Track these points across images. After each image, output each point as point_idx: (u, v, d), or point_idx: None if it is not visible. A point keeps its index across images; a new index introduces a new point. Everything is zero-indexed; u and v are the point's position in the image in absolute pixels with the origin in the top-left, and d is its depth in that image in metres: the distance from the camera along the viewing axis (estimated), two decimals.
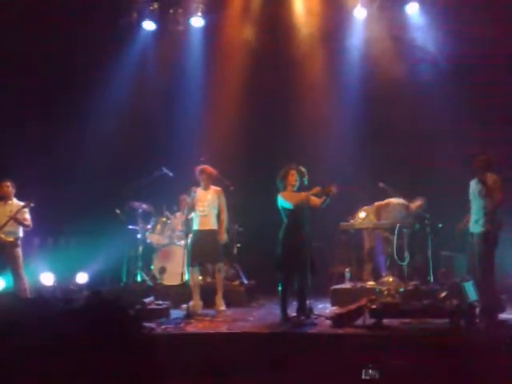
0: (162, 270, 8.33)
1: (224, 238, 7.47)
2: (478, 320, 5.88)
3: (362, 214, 8.16)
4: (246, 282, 8.39)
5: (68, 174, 9.38)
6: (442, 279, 7.59)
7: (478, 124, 8.46)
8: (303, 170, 6.68)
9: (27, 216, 7.73)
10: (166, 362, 4.97)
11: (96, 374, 4.69)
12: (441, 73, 9.00)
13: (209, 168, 7.47)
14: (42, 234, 9.03)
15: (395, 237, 7.56)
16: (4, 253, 7.62)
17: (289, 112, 9.59)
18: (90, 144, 9.39)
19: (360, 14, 9.33)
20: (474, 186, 6.55)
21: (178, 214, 8.87)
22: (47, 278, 8.54)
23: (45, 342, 4.84)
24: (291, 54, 9.67)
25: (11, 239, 7.63)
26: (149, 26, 9.91)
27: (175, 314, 6.94)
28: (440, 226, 7.70)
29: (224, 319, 6.70)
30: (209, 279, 8.12)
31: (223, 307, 7.34)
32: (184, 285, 7.35)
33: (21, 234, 7.76)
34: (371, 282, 7.87)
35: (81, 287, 8.46)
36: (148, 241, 8.80)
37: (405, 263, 7.53)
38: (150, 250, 8.72)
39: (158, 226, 8.80)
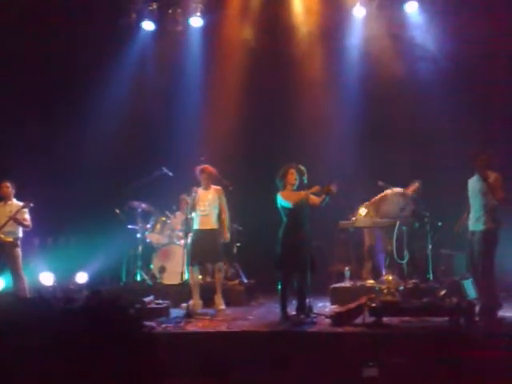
0: (162, 270, 8.34)
1: (228, 236, 7.49)
2: (477, 318, 5.89)
3: (362, 211, 8.17)
4: (245, 281, 8.39)
5: (68, 173, 9.38)
6: (441, 277, 7.57)
7: (477, 122, 8.47)
8: (303, 168, 6.68)
9: (27, 216, 7.74)
10: (166, 361, 4.97)
11: (96, 373, 4.69)
12: (440, 71, 9.00)
13: (209, 167, 7.47)
14: (41, 233, 9.03)
15: (395, 235, 7.55)
16: (3, 253, 7.64)
17: (288, 111, 9.59)
18: (89, 144, 9.39)
19: (359, 12, 9.32)
20: (473, 184, 6.55)
21: (177, 213, 8.87)
22: (47, 278, 8.55)
23: (44, 341, 4.84)
24: (290, 53, 9.67)
25: (11, 239, 7.64)
26: (148, 26, 9.91)
27: (175, 313, 6.94)
28: (439, 224, 7.69)
29: (224, 318, 6.71)
30: (208, 278, 8.12)
31: (223, 306, 7.34)
32: (184, 284, 7.35)
33: (20, 234, 7.77)
34: (371, 281, 7.87)
35: (80, 287, 8.46)
36: (148, 240, 8.80)
37: (404, 261, 7.52)
38: (149, 250, 8.72)
39: (158, 226, 8.81)
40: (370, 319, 5.90)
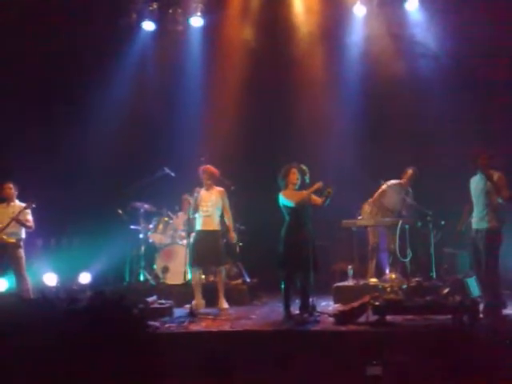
0: (165, 270, 8.35)
1: (233, 236, 7.49)
2: (481, 316, 5.88)
3: (367, 208, 8.17)
4: (248, 280, 8.39)
5: (70, 174, 9.38)
6: (444, 275, 7.57)
7: (478, 121, 8.46)
8: (304, 168, 6.66)
9: (29, 217, 7.75)
10: (169, 361, 4.98)
11: (101, 373, 4.70)
12: (441, 69, 9.00)
13: (210, 168, 7.46)
14: (44, 234, 9.06)
15: (397, 233, 7.54)
16: (6, 254, 7.65)
17: (288, 111, 9.59)
18: (91, 144, 9.40)
19: (359, 11, 9.32)
20: (476, 183, 6.54)
21: (179, 213, 8.88)
22: (50, 279, 8.56)
23: (48, 342, 4.85)
24: (291, 52, 9.67)
25: (13, 240, 7.65)
26: (148, 26, 9.92)
27: (178, 312, 6.95)
28: (442, 223, 7.69)
29: (227, 318, 6.71)
30: (211, 278, 8.12)
31: (226, 305, 7.35)
32: (187, 284, 7.37)
33: (23, 235, 7.79)
34: (374, 279, 7.87)
35: (84, 287, 8.45)
36: (150, 240, 8.81)
37: (407, 260, 7.52)
38: (152, 250, 8.73)
39: (160, 226, 8.81)
40: (373, 318, 5.90)
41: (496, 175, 6.29)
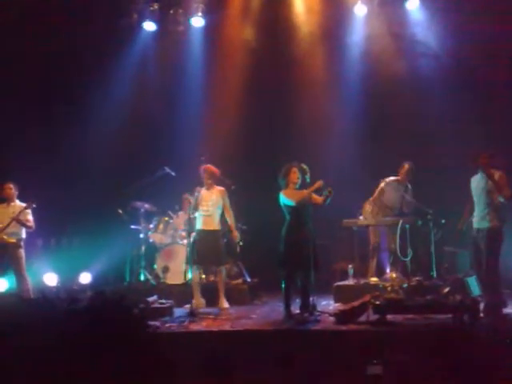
0: (165, 269, 8.35)
1: (236, 235, 7.47)
2: (482, 315, 5.88)
3: (367, 208, 8.17)
4: (249, 279, 8.39)
5: (70, 174, 9.38)
6: (445, 275, 7.57)
7: (478, 121, 8.45)
8: (305, 167, 6.66)
9: (29, 217, 7.76)
10: (170, 361, 4.98)
11: (101, 373, 4.70)
12: (442, 69, 9.00)
13: (211, 167, 7.45)
14: (44, 234, 9.06)
15: (398, 233, 7.54)
16: (7, 254, 7.66)
17: (289, 111, 9.59)
18: (91, 144, 9.40)
19: (360, 10, 9.32)
20: (476, 182, 6.56)
21: (180, 213, 8.87)
22: (50, 279, 8.56)
23: (49, 342, 4.85)
24: (291, 52, 9.67)
25: (14, 240, 7.66)
26: (149, 26, 9.93)
27: (179, 312, 6.95)
28: (443, 222, 7.68)
29: (227, 317, 6.71)
30: (212, 278, 8.12)
31: (226, 305, 7.35)
32: (187, 284, 7.37)
33: (23, 235, 7.79)
34: (374, 279, 7.86)
35: (84, 287, 8.46)
36: (151, 240, 8.81)
37: (408, 259, 7.51)
38: (152, 250, 8.73)
39: (161, 226, 8.81)
40: (373, 317, 5.90)
41: (497, 174, 6.30)
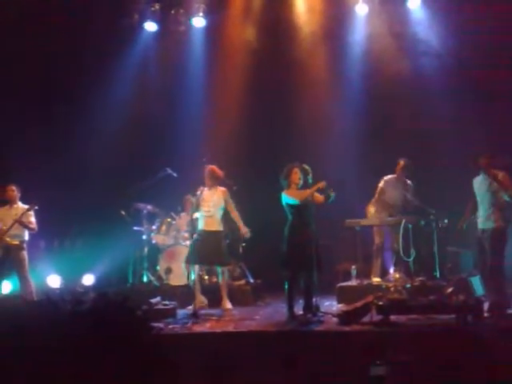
0: (168, 271, 8.36)
1: (246, 231, 7.42)
2: (486, 315, 5.87)
3: (371, 209, 8.16)
4: (251, 280, 8.40)
5: (72, 175, 9.37)
6: (448, 275, 7.55)
7: (480, 120, 8.43)
8: (307, 168, 6.65)
9: (32, 219, 7.77)
10: (174, 362, 4.98)
11: (104, 375, 4.70)
12: (443, 68, 8.98)
13: (214, 168, 7.45)
14: (47, 236, 9.07)
15: (401, 233, 7.53)
16: (10, 256, 7.67)
17: (290, 111, 9.57)
18: (93, 145, 9.40)
19: (361, 9, 9.32)
20: (479, 183, 6.57)
21: (182, 214, 8.88)
22: (54, 281, 8.58)
23: (52, 344, 4.85)
24: (293, 52, 9.65)
25: (17, 242, 7.66)
26: (150, 26, 9.93)
27: (182, 313, 6.95)
28: (446, 222, 7.67)
29: (230, 318, 6.71)
30: (215, 279, 8.12)
31: (229, 306, 7.35)
32: (190, 285, 7.37)
33: (26, 237, 7.80)
34: (377, 279, 7.86)
35: (87, 289, 8.47)
36: (153, 241, 8.81)
37: (411, 259, 7.50)
38: (155, 251, 8.73)
39: (163, 227, 8.81)
40: (377, 317, 5.88)
41: (500, 175, 6.31)
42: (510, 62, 8.53)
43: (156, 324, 5.83)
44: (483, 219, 6.46)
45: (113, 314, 5.26)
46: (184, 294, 7.63)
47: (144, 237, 8.70)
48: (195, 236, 7.35)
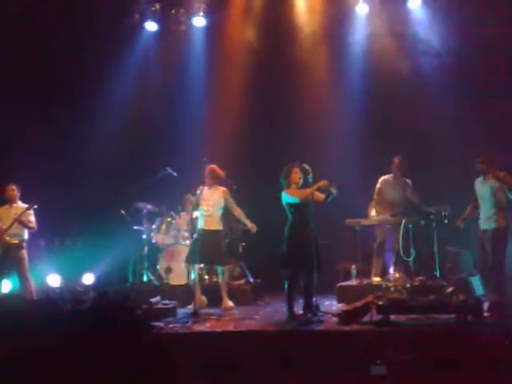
0: (168, 270, 8.36)
1: (252, 226, 7.42)
2: (486, 314, 5.87)
3: (372, 211, 8.16)
4: (251, 280, 8.40)
5: (72, 175, 9.38)
6: (448, 274, 7.56)
7: (480, 120, 8.43)
8: (307, 167, 6.64)
9: (32, 218, 7.77)
10: (174, 361, 4.99)
11: (105, 374, 4.71)
12: (444, 67, 8.98)
13: (214, 167, 7.45)
14: (47, 235, 9.07)
15: (401, 232, 7.53)
16: (9, 255, 7.68)
17: (291, 110, 9.57)
18: (93, 145, 9.41)
19: (362, 9, 9.32)
20: (481, 183, 6.64)
21: (182, 213, 8.88)
22: (54, 280, 8.58)
23: (52, 343, 4.86)
24: (293, 52, 9.65)
25: (16, 241, 7.67)
26: (151, 26, 9.94)
27: (182, 313, 6.95)
28: (445, 221, 7.67)
29: (231, 318, 6.71)
30: (215, 278, 8.12)
31: (231, 304, 7.36)
32: (190, 284, 7.37)
33: (26, 236, 7.80)
34: (377, 279, 7.86)
35: (87, 288, 8.47)
36: (153, 241, 8.81)
37: (411, 259, 7.50)
38: (155, 250, 8.74)
39: (163, 226, 8.81)
40: (377, 317, 5.88)
41: (502, 174, 6.34)
42: (509, 62, 8.53)
43: (156, 323, 5.86)
44: (484, 219, 6.50)
45: (113, 313, 5.28)
46: (184, 294, 7.63)
47: (144, 236, 8.71)
48: (195, 235, 7.36)
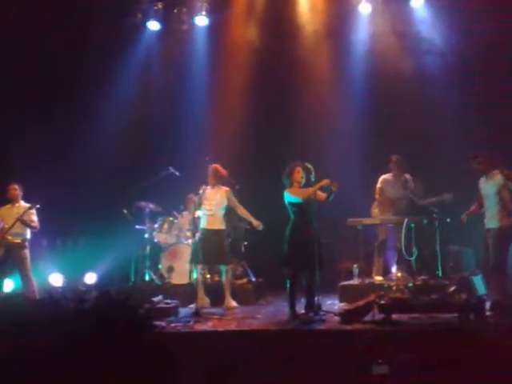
0: (170, 269, 8.36)
1: (257, 223, 7.40)
2: (488, 314, 5.86)
3: (376, 210, 8.15)
4: (253, 279, 8.39)
5: (74, 174, 9.40)
6: (450, 273, 7.55)
7: (483, 120, 8.41)
8: (310, 166, 6.65)
9: (34, 218, 7.78)
10: (176, 361, 4.98)
11: (107, 374, 4.71)
12: (447, 66, 8.96)
13: (217, 167, 7.46)
14: (50, 235, 9.08)
15: (403, 232, 7.52)
16: (11, 254, 7.69)
17: (294, 109, 9.57)
18: (95, 144, 9.41)
19: (365, 8, 9.31)
20: (484, 183, 6.65)
21: (184, 213, 8.88)
22: (56, 279, 8.59)
23: (54, 342, 4.86)
24: (296, 51, 9.64)
25: (19, 241, 7.68)
26: (153, 25, 9.95)
27: (184, 312, 6.95)
28: (448, 220, 7.67)
29: (233, 317, 6.71)
30: (217, 278, 8.12)
31: (234, 303, 7.37)
32: (192, 284, 7.37)
33: (28, 235, 7.81)
34: (379, 278, 7.85)
35: (89, 287, 8.48)
36: (155, 240, 8.81)
37: (413, 258, 7.49)
38: (157, 250, 8.73)
39: (165, 226, 8.81)
40: (379, 316, 5.88)
41: (504, 173, 6.34)
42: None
43: (158, 322, 5.85)
44: (489, 219, 6.53)
45: (115, 312, 5.27)
46: (186, 293, 7.62)
47: (146, 235, 8.72)
48: (198, 235, 7.36)
